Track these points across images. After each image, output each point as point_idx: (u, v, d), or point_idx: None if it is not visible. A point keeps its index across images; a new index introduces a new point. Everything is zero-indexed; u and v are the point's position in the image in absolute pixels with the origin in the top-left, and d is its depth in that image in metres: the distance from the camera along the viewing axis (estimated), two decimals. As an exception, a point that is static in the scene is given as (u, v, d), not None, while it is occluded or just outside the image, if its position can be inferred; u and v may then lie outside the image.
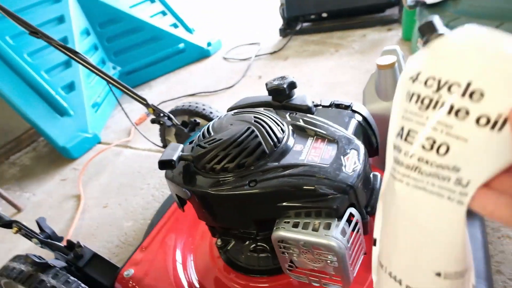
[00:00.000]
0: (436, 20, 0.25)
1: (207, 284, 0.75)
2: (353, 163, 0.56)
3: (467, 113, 0.23)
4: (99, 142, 1.96)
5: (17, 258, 0.72)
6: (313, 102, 0.75)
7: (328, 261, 0.53)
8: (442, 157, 0.24)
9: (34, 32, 1.04)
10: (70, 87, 1.99)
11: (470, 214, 0.24)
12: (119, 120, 2.15)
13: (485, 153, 0.23)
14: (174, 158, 0.58)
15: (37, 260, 0.67)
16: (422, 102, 0.25)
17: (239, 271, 0.73)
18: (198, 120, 1.05)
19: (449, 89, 0.23)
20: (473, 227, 0.73)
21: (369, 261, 0.68)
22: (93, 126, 1.98)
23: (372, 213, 0.59)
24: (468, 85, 0.22)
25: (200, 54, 2.67)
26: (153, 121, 1.08)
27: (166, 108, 1.18)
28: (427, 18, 0.25)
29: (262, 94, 0.79)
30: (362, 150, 0.59)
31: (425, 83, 0.24)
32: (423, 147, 0.25)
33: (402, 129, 0.26)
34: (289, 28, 2.55)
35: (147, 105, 1.07)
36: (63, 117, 1.89)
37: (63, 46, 1.06)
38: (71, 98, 1.95)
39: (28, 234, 0.76)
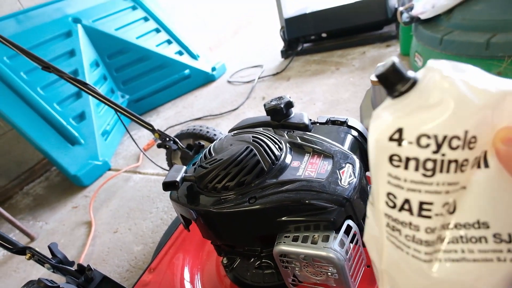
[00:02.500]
0: (398, 63, 0.21)
1: (215, 304, 0.76)
2: (349, 176, 0.58)
3: (467, 163, 0.21)
4: (109, 169, 2.01)
5: (30, 283, 0.74)
6: (310, 119, 0.78)
7: (329, 273, 0.55)
8: (458, 216, 0.22)
9: (46, 67, 1.11)
10: (81, 117, 2.07)
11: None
12: (128, 146, 2.20)
13: (495, 197, 0.21)
14: (178, 179, 0.61)
15: (49, 284, 0.70)
16: (425, 167, 0.21)
17: (245, 288, 0.74)
18: (203, 142, 1.09)
19: (450, 145, 0.20)
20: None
21: (372, 273, 0.69)
22: (103, 154, 2.03)
23: (371, 225, 0.60)
24: (466, 134, 0.20)
25: (205, 79, 2.75)
26: (159, 146, 1.12)
27: (174, 132, 1.22)
28: (385, 63, 0.21)
29: (265, 114, 0.82)
30: (357, 164, 0.61)
31: (418, 143, 0.20)
32: (442, 214, 0.22)
33: (407, 201, 0.22)
34: (290, 50, 2.62)
35: (153, 130, 1.11)
36: (74, 146, 1.95)
37: (74, 79, 1.12)
38: (82, 128, 2.02)
39: (40, 259, 0.78)
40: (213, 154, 0.66)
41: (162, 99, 2.66)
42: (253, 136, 0.66)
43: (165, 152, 1.25)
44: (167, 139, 1.11)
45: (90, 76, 2.21)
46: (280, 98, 0.78)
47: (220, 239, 0.69)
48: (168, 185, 0.61)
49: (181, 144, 1.10)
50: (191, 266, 0.84)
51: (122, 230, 1.44)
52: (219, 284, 0.78)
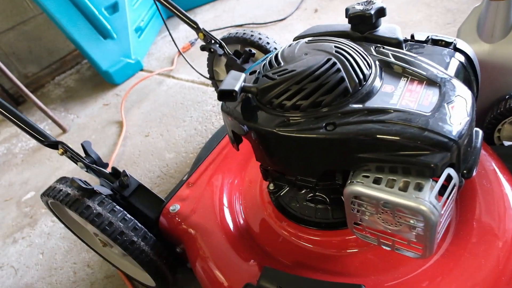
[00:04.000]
0: None
1: (254, 228, 0.71)
2: (460, 114, 0.45)
3: None
4: (141, 69, 1.90)
5: (63, 180, 0.70)
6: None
7: (411, 227, 0.45)
8: None
9: None
10: (114, 8, 1.90)
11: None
12: (161, 47, 2.06)
13: None
14: (236, 88, 0.49)
15: (83, 185, 0.64)
16: None
17: (291, 219, 0.67)
18: (254, 50, 0.94)
19: None
20: None
21: (447, 229, 0.60)
22: (136, 52, 1.91)
23: (468, 177, 0.49)
24: None
25: (249, -19, 2.44)
26: (203, 48, 0.98)
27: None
28: None
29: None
30: (470, 99, 0.47)
31: None
32: None
33: None
34: (352, -44, 2.24)
35: (197, 29, 0.96)
36: (106, 40, 1.83)
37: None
38: (114, 20, 1.86)
39: (73, 157, 0.73)
40: (282, 63, 0.53)
41: (200, -1, 2.41)
42: (335, 46, 0.52)
43: (207, 57, 1.12)
44: (213, 41, 0.96)
45: (125, -39, 1.98)
46: (369, 2, 0.61)
47: (276, 165, 0.59)
48: (224, 94, 0.49)
49: (228, 50, 0.96)
50: (231, 187, 0.77)
51: (153, 134, 1.39)
52: (262, 209, 0.71)
